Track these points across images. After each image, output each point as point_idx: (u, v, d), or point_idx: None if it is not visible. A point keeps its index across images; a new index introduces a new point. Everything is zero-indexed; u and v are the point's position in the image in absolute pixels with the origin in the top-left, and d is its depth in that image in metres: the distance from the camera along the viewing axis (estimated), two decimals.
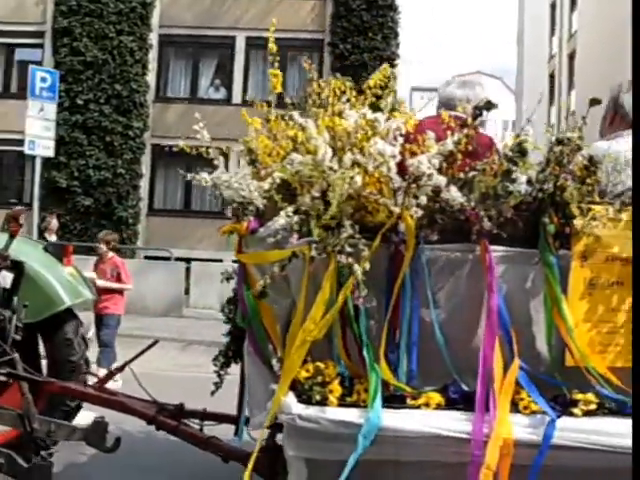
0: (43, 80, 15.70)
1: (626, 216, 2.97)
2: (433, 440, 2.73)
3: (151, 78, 22.25)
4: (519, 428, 2.74)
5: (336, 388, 2.84)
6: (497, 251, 2.97)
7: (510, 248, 2.99)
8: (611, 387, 2.87)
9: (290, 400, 2.80)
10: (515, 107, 39.44)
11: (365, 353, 2.87)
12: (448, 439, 2.72)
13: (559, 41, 33.33)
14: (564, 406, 2.82)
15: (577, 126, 3.03)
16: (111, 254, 8.75)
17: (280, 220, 2.87)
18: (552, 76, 34.46)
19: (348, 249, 2.80)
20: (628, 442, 2.62)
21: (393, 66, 22.28)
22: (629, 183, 3.16)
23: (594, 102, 3.09)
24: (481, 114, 3.07)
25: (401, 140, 2.97)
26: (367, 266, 2.80)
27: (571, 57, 31.17)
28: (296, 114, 3.01)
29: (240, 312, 3.62)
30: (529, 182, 3.01)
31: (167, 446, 4.84)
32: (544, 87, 34.02)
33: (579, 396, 2.85)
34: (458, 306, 3.00)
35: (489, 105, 3.10)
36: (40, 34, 21.88)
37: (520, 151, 2.97)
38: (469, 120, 3.03)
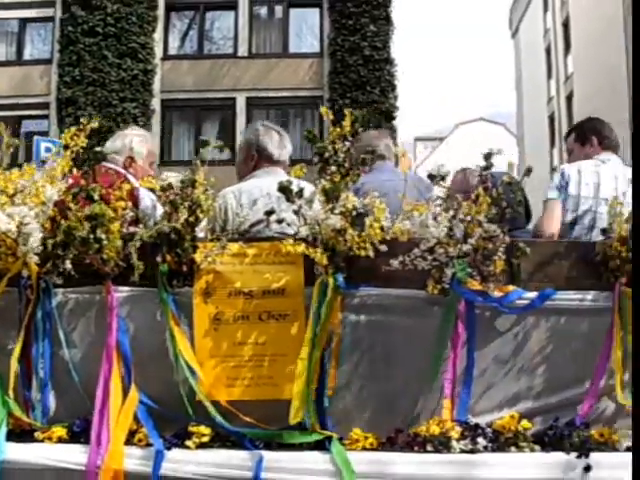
0: (47, 150, 15.96)
1: (251, 251, 3.09)
2: (58, 472, 2.89)
3: (155, 143, 22.55)
4: (131, 460, 2.89)
5: None
6: (123, 291, 3.11)
7: (136, 288, 3.11)
8: (232, 420, 2.96)
9: None
10: (517, 151, 39.71)
11: None
12: (69, 471, 2.88)
13: (556, 84, 33.80)
14: (180, 438, 2.94)
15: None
16: None
17: None
18: (552, 118, 34.90)
19: None
20: (246, 473, 2.82)
21: (393, 118, 22.70)
22: (256, 217, 3.43)
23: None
24: None
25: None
26: None
27: (569, 98, 31.58)
28: None
29: None
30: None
31: None
32: (544, 129, 34.41)
33: (194, 429, 2.95)
34: (91, 344, 3.14)
35: None
36: (45, 105, 22.33)
37: None
38: None
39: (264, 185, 3.64)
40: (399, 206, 3.04)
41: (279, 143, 3.91)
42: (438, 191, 2.94)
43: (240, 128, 23.34)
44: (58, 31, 22.20)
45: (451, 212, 2.87)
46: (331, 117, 3.21)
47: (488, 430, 2.94)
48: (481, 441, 2.91)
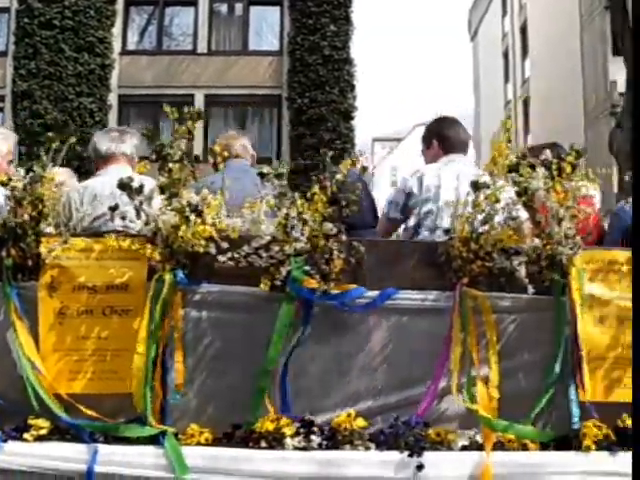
0: None
1: (98, 247, 3.10)
2: None
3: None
4: None
5: None
6: None
7: None
8: (75, 414, 2.98)
9: None
10: (474, 153, 39.89)
11: None
12: None
13: (513, 87, 34.04)
14: (19, 431, 2.95)
15: None
16: None
17: None
18: None
19: None
20: (81, 466, 2.83)
21: (351, 118, 22.73)
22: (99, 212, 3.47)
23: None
24: None
25: None
26: None
27: (525, 103, 31.83)
28: None
29: None
30: None
31: None
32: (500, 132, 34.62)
33: (32, 422, 2.96)
34: None
35: None
36: (0, 98, 22.04)
37: None
38: None
39: (111, 181, 3.65)
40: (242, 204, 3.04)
41: (111, 138, 3.98)
42: (271, 188, 2.94)
43: (198, 125, 23.14)
44: (14, 23, 21.89)
45: (284, 210, 2.86)
46: (176, 115, 3.16)
47: (324, 428, 2.95)
48: (315, 438, 2.91)
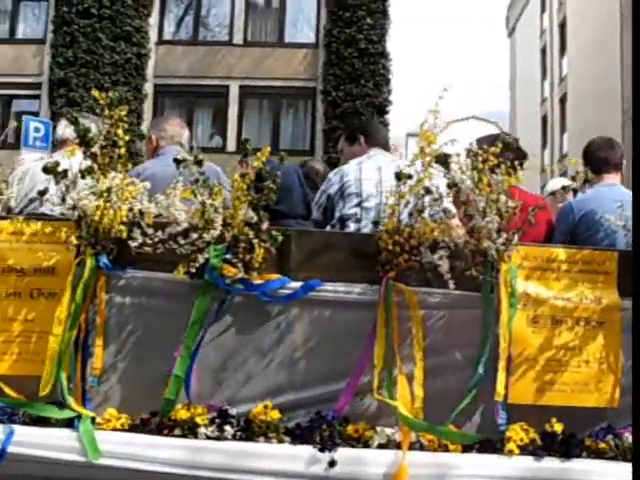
0: (36, 130, 16.00)
1: (29, 230, 3.05)
2: None
3: (146, 127, 22.54)
4: None
5: None
6: None
7: None
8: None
9: None
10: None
11: None
12: None
13: (550, 85, 33.55)
14: None
15: None
16: None
17: None
18: (544, 119, 34.64)
19: None
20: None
21: (385, 112, 22.59)
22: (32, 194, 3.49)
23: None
24: None
25: None
26: None
27: (562, 101, 31.32)
28: None
29: None
30: None
31: None
32: (536, 130, 34.18)
33: None
34: None
35: None
36: (37, 85, 22.30)
37: None
38: None
39: None
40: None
41: (67, 124, 3.99)
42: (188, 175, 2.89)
43: (232, 116, 23.34)
44: (52, 11, 22.15)
45: (204, 198, 2.82)
46: (108, 101, 3.14)
47: (240, 419, 2.91)
48: (229, 429, 2.88)
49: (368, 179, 3.98)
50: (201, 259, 2.86)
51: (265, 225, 2.88)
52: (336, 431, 2.87)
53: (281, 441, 2.88)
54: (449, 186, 2.92)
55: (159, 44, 23.20)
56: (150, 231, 2.91)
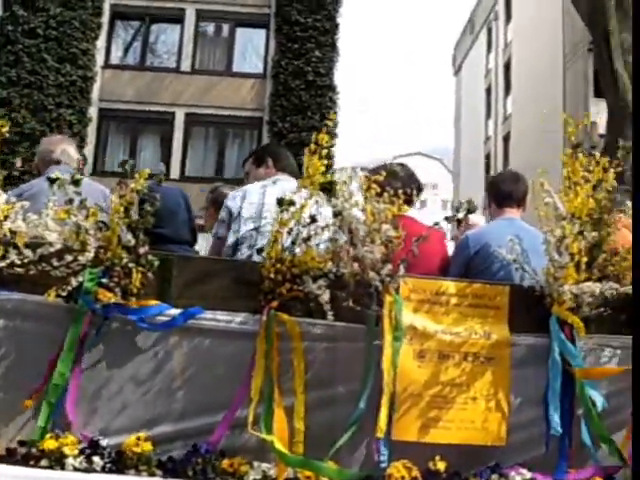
0: None
1: None
2: None
3: (89, 151, 22.28)
4: None
5: None
6: None
7: None
8: None
9: None
10: (453, 187, 39.91)
11: None
12: None
13: (494, 123, 34.10)
14: None
15: None
16: None
17: None
18: (488, 157, 35.12)
19: None
20: None
21: (331, 146, 22.69)
22: None
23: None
24: None
25: None
26: None
27: (505, 139, 31.84)
28: None
29: None
30: None
31: None
32: (480, 168, 34.65)
33: None
34: None
35: None
36: None
37: None
38: None
39: None
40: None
41: None
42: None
43: (177, 144, 23.22)
44: None
45: (77, 219, 2.72)
46: None
47: (111, 450, 2.78)
48: (98, 461, 2.75)
49: (269, 204, 3.89)
50: (74, 282, 2.74)
51: (143, 249, 2.78)
52: (210, 465, 2.76)
53: (152, 474, 2.75)
54: (334, 214, 2.86)
55: (105, 68, 23.09)
56: (27, 252, 2.80)
